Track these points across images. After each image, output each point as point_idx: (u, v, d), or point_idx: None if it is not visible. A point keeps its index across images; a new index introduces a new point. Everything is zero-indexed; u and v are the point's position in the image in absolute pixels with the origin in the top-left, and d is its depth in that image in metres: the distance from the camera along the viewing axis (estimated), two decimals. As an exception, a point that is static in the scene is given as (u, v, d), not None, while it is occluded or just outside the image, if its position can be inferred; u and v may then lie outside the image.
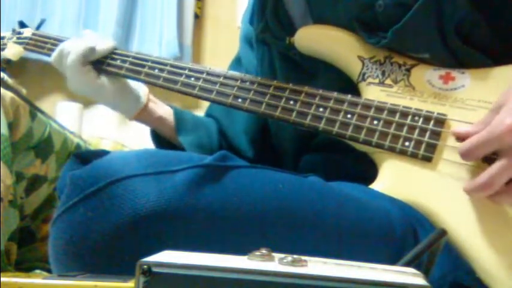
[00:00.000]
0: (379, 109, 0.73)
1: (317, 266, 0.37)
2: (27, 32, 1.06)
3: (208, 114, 1.06)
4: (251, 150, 0.99)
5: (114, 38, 1.98)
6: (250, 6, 1.00)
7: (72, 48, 0.92)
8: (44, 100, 1.98)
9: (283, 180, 0.63)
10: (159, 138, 1.01)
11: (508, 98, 0.61)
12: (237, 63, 1.06)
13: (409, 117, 0.71)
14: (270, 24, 0.88)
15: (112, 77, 0.94)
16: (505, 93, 0.63)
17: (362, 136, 0.72)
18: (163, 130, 0.99)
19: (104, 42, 0.94)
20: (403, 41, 0.75)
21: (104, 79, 0.93)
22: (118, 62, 0.92)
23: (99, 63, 0.93)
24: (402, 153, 0.70)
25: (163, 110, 0.99)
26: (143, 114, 0.97)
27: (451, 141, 0.68)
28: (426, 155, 0.68)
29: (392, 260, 0.49)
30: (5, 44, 1.06)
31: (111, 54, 0.93)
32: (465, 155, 0.63)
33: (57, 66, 0.95)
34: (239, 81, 0.83)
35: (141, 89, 0.97)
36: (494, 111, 0.62)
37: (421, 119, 0.71)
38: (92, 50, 0.92)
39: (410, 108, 0.72)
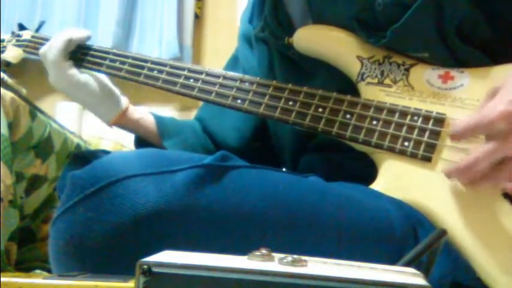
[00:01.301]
0: (378, 109, 0.73)
1: (317, 266, 0.37)
2: (26, 35, 1.06)
3: (198, 116, 1.06)
4: (237, 144, 0.99)
5: (114, 38, 1.98)
6: (250, 5, 1.00)
7: (52, 43, 0.94)
8: (44, 100, 1.98)
9: (284, 180, 0.63)
10: (143, 145, 1.01)
11: (504, 84, 0.62)
12: (233, 62, 1.06)
13: (408, 117, 0.71)
14: (270, 24, 0.88)
15: (94, 76, 0.95)
16: (504, 79, 0.63)
17: (361, 136, 0.72)
18: (144, 134, 1.00)
19: (78, 32, 0.97)
20: (402, 40, 0.75)
21: (87, 77, 0.94)
22: (117, 64, 0.92)
23: (95, 64, 0.94)
24: (401, 153, 0.70)
25: (141, 113, 0.99)
26: (124, 118, 0.97)
27: (451, 141, 0.68)
28: (426, 155, 0.68)
29: (392, 260, 0.50)
30: (5, 47, 1.06)
31: (109, 55, 0.94)
32: (454, 134, 0.63)
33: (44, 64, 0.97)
34: (238, 82, 0.83)
35: (120, 94, 0.98)
36: (490, 96, 0.63)
37: (420, 119, 0.71)
38: (70, 41, 0.95)
39: (410, 108, 0.72)
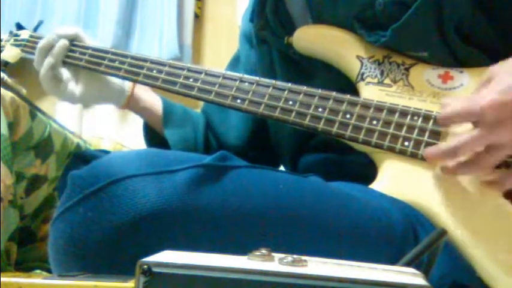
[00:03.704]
0: (378, 109, 0.73)
1: (317, 266, 0.37)
2: (24, 34, 1.06)
3: (203, 109, 1.06)
4: (237, 143, 1.00)
5: (114, 38, 1.98)
6: (251, 4, 1.00)
7: (40, 77, 0.93)
8: (44, 100, 1.98)
9: (283, 180, 0.63)
10: (149, 134, 1.02)
11: (497, 73, 0.62)
12: (234, 62, 1.06)
13: (408, 116, 0.71)
14: (270, 23, 0.88)
15: (91, 77, 0.94)
16: (495, 69, 0.63)
17: (361, 136, 0.72)
18: (152, 120, 1.01)
19: (56, 50, 0.93)
20: (402, 40, 0.75)
21: (83, 84, 0.93)
22: (116, 64, 0.92)
23: (94, 63, 0.93)
24: (402, 153, 0.70)
25: (151, 97, 1.01)
26: (132, 102, 0.98)
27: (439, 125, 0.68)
28: (426, 154, 0.68)
29: (392, 260, 0.50)
30: (3, 46, 1.06)
31: (107, 55, 0.93)
32: (443, 119, 0.64)
33: None
34: (238, 82, 0.82)
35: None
36: (484, 85, 0.63)
37: (420, 119, 0.71)
38: (53, 67, 0.93)
39: (410, 107, 0.72)
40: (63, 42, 0.93)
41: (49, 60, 0.92)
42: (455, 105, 0.63)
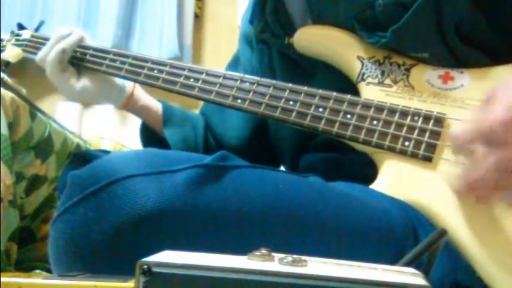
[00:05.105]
0: (379, 109, 0.73)
1: (317, 266, 0.37)
2: (25, 34, 1.06)
3: (202, 110, 1.07)
4: (237, 143, 1.00)
5: (114, 38, 1.98)
6: (251, 5, 1.00)
7: (46, 57, 0.94)
8: (44, 100, 1.98)
9: (283, 180, 0.63)
10: (147, 133, 1.03)
11: (502, 89, 0.61)
12: (234, 62, 1.06)
13: (409, 117, 0.71)
14: (270, 24, 0.88)
15: (92, 74, 0.95)
16: (500, 85, 0.62)
17: (362, 136, 0.72)
18: (150, 120, 1.01)
19: (72, 38, 0.95)
20: (403, 41, 0.75)
21: (84, 82, 0.94)
22: (117, 64, 0.92)
23: (95, 63, 0.94)
24: (402, 153, 0.70)
25: (148, 100, 1.01)
26: (131, 102, 0.99)
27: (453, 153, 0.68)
28: (426, 154, 0.68)
29: (392, 260, 0.49)
30: (4, 46, 1.06)
31: (109, 55, 0.93)
32: (456, 148, 0.62)
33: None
34: (238, 82, 0.82)
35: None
36: (487, 102, 0.61)
37: (420, 119, 0.71)
38: (63, 53, 0.94)
39: (410, 108, 0.72)
40: (76, 35, 0.95)
41: (63, 44, 0.94)
42: (464, 130, 0.61)
